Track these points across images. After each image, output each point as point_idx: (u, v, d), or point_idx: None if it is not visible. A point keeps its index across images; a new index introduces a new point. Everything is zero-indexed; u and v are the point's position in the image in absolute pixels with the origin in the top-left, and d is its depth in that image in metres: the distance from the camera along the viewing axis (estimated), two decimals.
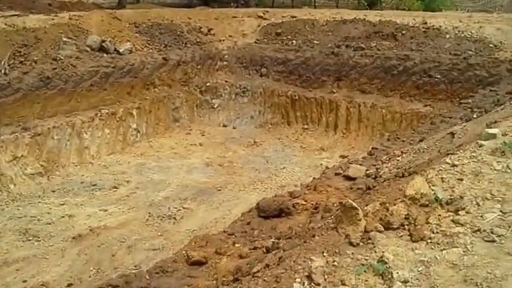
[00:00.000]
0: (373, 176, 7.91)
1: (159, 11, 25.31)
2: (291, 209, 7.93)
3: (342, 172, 9.21)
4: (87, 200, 14.98)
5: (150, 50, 21.63)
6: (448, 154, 6.02)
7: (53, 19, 20.07)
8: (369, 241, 4.53)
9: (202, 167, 17.77)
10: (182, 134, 21.07)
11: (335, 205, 6.86)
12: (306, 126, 21.29)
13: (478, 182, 4.96)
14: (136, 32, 22.26)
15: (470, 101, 14.73)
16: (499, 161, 5.40)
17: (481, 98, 14.80)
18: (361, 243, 4.54)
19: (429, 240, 4.29)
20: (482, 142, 5.99)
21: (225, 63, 23.86)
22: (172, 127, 21.46)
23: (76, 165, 17.29)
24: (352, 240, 4.58)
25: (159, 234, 12.88)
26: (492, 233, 4.17)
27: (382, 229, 4.62)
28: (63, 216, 13.80)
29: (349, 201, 4.75)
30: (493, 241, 4.09)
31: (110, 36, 20.85)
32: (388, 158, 8.70)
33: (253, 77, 23.24)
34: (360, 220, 4.66)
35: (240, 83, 23.03)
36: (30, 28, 18.68)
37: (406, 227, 4.54)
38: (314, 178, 9.84)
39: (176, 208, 14.32)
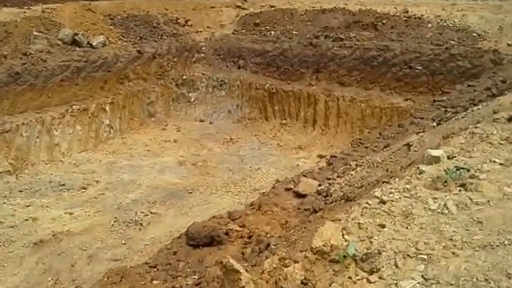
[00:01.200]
0: (324, 194, 7.30)
1: (135, 2, 24.63)
2: (222, 237, 7.25)
3: (292, 187, 8.56)
4: (54, 201, 14.46)
5: (125, 43, 21.09)
6: (383, 182, 5.42)
7: (24, 12, 19.53)
8: None
9: (175, 166, 17.24)
10: (157, 130, 20.52)
11: (268, 235, 6.34)
12: (284, 122, 20.78)
13: (406, 229, 4.19)
14: (110, 25, 21.73)
15: (445, 98, 13.73)
16: (435, 198, 4.66)
17: (457, 95, 13.83)
18: None
19: None
20: (423, 168, 5.31)
21: (202, 55, 23.34)
22: (147, 122, 20.90)
23: (46, 163, 16.80)
24: None
25: (123, 242, 12.33)
26: None
27: None
28: (27, 219, 13.30)
29: (230, 261, 3.94)
30: None
31: (84, 29, 20.33)
32: (343, 171, 8.10)
33: (231, 69, 22.73)
34: (243, 287, 3.89)
35: (217, 75, 22.53)
36: (1, 22, 18.18)
37: None
38: (262, 194, 9.18)
39: (143, 213, 13.76)
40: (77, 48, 19.25)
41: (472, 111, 7.95)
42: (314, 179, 8.48)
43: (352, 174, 7.36)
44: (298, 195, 8.09)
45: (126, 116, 20.00)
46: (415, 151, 6.76)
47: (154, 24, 23.06)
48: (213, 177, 16.36)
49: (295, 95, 20.52)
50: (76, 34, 19.48)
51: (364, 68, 19.78)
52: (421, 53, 18.68)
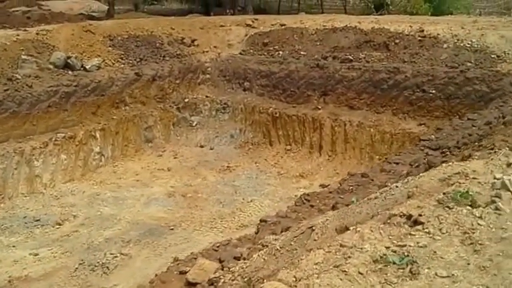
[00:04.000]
0: (215, 284, 5.71)
1: (139, 22, 23.58)
2: None
3: (188, 269, 6.72)
4: (23, 240, 13.27)
5: (122, 65, 19.91)
6: None
7: (17, 35, 18.63)
8: None
9: (163, 197, 15.97)
10: (153, 157, 19.29)
11: None
12: (288, 147, 19.46)
13: None
14: (109, 46, 20.56)
15: (433, 137, 11.85)
16: None
17: (450, 131, 11.87)
18: None
19: None
20: None
21: (207, 76, 22.12)
22: (143, 148, 19.68)
23: (25, 196, 15.62)
24: None
25: None
26: None
27: None
28: None
29: None
30: None
31: (79, 51, 19.24)
32: (253, 249, 6.55)
33: (236, 92, 21.50)
34: None
35: (221, 98, 21.32)
36: None
37: None
38: (153, 279, 7.50)
39: (113, 254, 12.38)
40: (69, 72, 18.22)
41: (390, 188, 6.12)
42: (219, 259, 6.81)
43: (254, 258, 5.80)
44: (189, 283, 6.46)
45: (119, 142, 18.78)
46: (315, 240, 5.17)
47: (157, 44, 21.90)
48: (200, 211, 15.05)
49: (299, 119, 19.23)
50: (69, 57, 18.45)
51: (374, 91, 18.42)
52: (434, 76, 17.26)
